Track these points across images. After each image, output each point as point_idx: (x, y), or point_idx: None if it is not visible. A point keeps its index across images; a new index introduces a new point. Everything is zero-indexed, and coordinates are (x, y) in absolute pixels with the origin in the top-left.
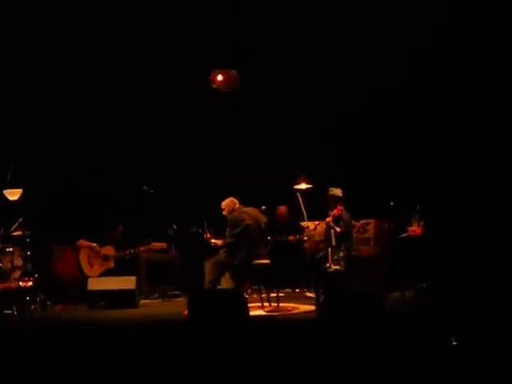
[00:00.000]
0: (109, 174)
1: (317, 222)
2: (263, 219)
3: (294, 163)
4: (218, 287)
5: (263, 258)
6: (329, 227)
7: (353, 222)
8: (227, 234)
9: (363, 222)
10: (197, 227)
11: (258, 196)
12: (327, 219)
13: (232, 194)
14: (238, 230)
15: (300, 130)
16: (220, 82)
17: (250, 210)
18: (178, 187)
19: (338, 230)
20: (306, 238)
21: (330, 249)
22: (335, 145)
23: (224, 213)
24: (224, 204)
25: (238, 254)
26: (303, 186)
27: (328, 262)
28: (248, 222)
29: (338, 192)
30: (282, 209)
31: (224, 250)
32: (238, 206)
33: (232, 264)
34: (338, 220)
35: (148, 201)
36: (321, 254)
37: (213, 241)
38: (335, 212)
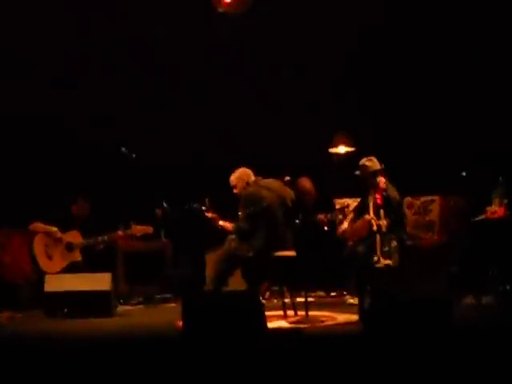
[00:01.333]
0: (73, 132)
1: (360, 200)
2: (289, 195)
3: (327, 116)
4: (225, 289)
5: (287, 250)
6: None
7: (410, 199)
8: (240, 216)
9: (424, 200)
10: (198, 204)
11: (279, 163)
12: (368, 217)
13: (244, 163)
14: (255, 210)
15: (334, 67)
16: (228, 2)
17: (271, 182)
18: (169, 150)
19: (383, 224)
20: (344, 222)
21: (377, 236)
22: (384, 92)
23: (236, 190)
24: (234, 178)
25: (254, 242)
26: (341, 149)
27: (375, 254)
28: (269, 201)
29: (374, 164)
30: (305, 181)
31: (234, 237)
32: (253, 178)
33: (245, 256)
34: (387, 203)
35: (128, 168)
36: (365, 243)
37: (221, 222)
38: (378, 194)
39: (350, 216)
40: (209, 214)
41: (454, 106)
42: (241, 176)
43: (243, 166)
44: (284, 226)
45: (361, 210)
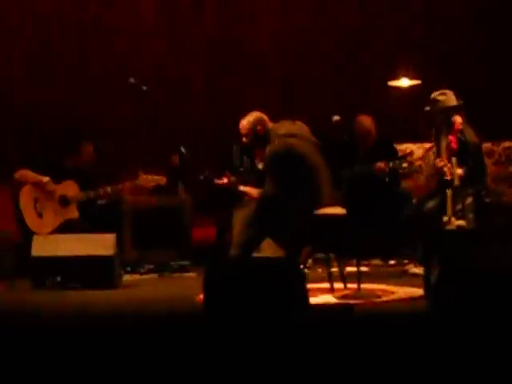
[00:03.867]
0: (69, 54)
1: (428, 146)
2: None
3: (386, 40)
4: (256, 255)
5: (332, 206)
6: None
7: (490, 146)
8: (269, 179)
9: (508, 145)
10: (209, 170)
11: (326, 99)
12: (440, 163)
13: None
14: (290, 170)
15: None
16: None
17: (293, 126)
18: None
19: (459, 172)
20: (407, 171)
21: (449, 191)
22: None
23: (247, 140)
24: (247, 123)
25: (290, 198)
26: (404, 82)
27: (447, 214)
28: (304, 153)
29: (450, 98)
30: (366, 120)
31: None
32: (271, 125)
33: (280, 216)
34: (463, 148)
35: (138, 103)
36: (433, 200)
37: (242, 188)
38: (452, 136)
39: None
40: (223, 181)
41: None
42: (254, 123)
43: (256, 111)
44: (327, 176)
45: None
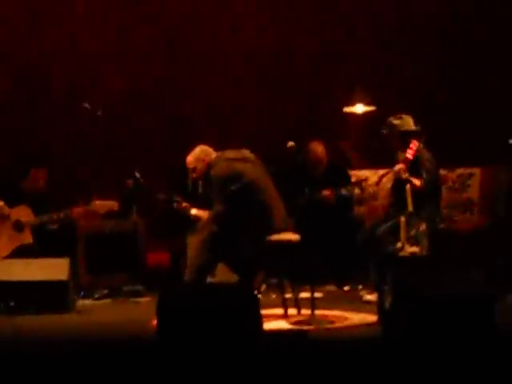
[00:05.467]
0: (29, 83)
1: (382, 172)
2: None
3: (342, 65)
4: (210, 280)
5: (286, 232)
6: (399, 181)
7: (444, 172)
8: (215, 199)
9: (461, 172)
10: (165, 193)
11: (280, 126)
12: (397, 167)
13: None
14: (236, 188)
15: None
16: None
17: (240, 152)
18: (142, 109)
19: (416, 183)
20: (360, 196)
21: (402, 217)
22: (412, 36)
23: (195, 174)
24: (193, 159)
25: (244, 223)
26: (359, 108)
27: (400, 240)
28: (250, 174)
29: (407, 123)
30: (317, 146)
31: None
32: (214, 155)
33: (233, 241)
34: (415, 167)
35: (91, 127)
36: (387, 225)
37: (193, 212)
38: (409, 154)
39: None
40: (178, 206)
41: (501, 56)
42: (200, 156)
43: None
44: (278, 201)
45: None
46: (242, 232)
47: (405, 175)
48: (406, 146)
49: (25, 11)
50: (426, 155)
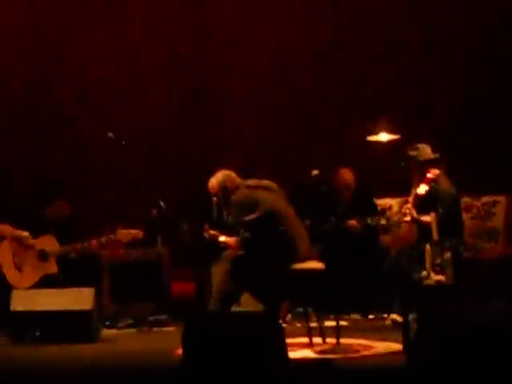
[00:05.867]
0: (48, 115)
1: (405, 199)
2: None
3: (366, 95)
4: (235, 309)
5: (311, 260)
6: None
7: (468, 200)
8: (239, 226)
9: (486, 200)
10: (187, 221)
11: (303, 154)
12: (409, 202)
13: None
14: (255, 216)
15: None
16: None
17: (263, 182)
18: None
19: (426, 220)
20: (385, 225)
21: (427, 246)
22: (435, 64)
23: (216, 198)
24: (216, 183)
25: (268, 252)
26: (384, 136)
27: (425, 268)
28: (271, 202)
29: (424, 152)
30: (347, 173)
31: (241, 252)
32: (239, 181)
33: (257, 270)
34: (431, 199)
35: (115, 158)
36: (411, 254)
37: (222, 239)
38: (421, 189)
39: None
40: (206, 234)
41: None
42: (223, 180)
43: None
44: (301, 229)
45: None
46: (266, 261)
47: (408, 217)
48: (425, 175)
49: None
50: (444, 184)
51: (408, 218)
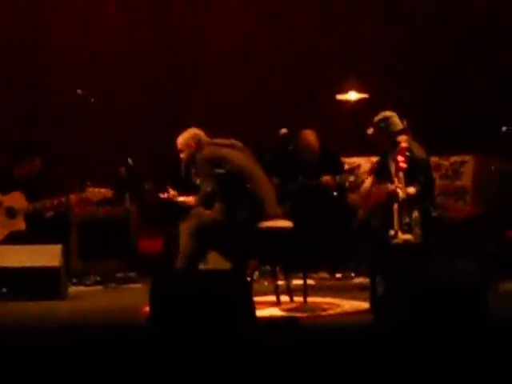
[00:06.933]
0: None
1: (374, 159)
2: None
3: (335, 55)
4: (202, 267)
5: (278, 219)
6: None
7: (437, 160)
8: (202, 182)
9: (455, 160)
10: (149, 180)
11: (273, 113)
12: (389, 186)
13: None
14: (222, 171)
15: None
16: None
17: (228, 141)
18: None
19: (411, 192)
20: (353, 183)
21: (395, 205)
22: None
23: (183, 155)
24: (183, 140)
25: (235, 210)
26: (352, 95)
27: (393, 227)
28: (237, 159)
29: (394, 123)
30: (309, 134)
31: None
32: (206, 139)
33: (225, 227)
34: (412, 165)
35: (84, 114)
36: (380, 213)
37: (181, 199)
38: (402, 162)
39: (370, 179)
40: (164, 195)
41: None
42: (191, 137)
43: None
44: (269, 188)
45: (379, 173)
46: (233, 218)
47: (401, 192)
48: (395, 145)
49: None
50: (417, 152)
51: (401, 196)
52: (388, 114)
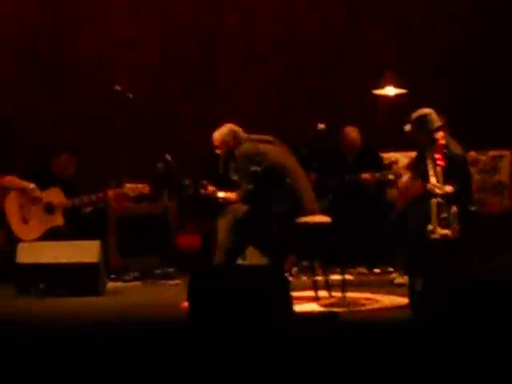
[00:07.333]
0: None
1: (412, 154)
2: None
3: (372, 49)
4: (241, 263)
5: (317, 214)
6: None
7: (474, 155)
8: (242, 179)
9: (493, 155)
10: (188, 176)
11: (308, 108)
12: (428, 185)
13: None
14: (261, 167)
15: None
16: None
17: (265, 137)
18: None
19: (449, 190)
20: (392, 180)
21: (434, 201)
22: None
23: (219, 151)
24: (219, 135)
25: (273, 205)
26: (390, 90)
27: (431, 222)
28: (275, 155)
29: (433, 120)
30: (352, 131)
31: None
32: (243, 135)
33: (263, 223)
34: (449, 161)
35: (122, 111)
36: (418, 208)
37: (221, 194)
38: (437, 154)
39: (408, 175)
40: (204, 191)
41: None
42: (227, 133)
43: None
44: (307, 183)
45: (417, 169)
46: (271, 214)
47: (439, 191)
48: (433, 142)
49: None
50: (454, 148)
51: (435, 189)
52: (426, 111)
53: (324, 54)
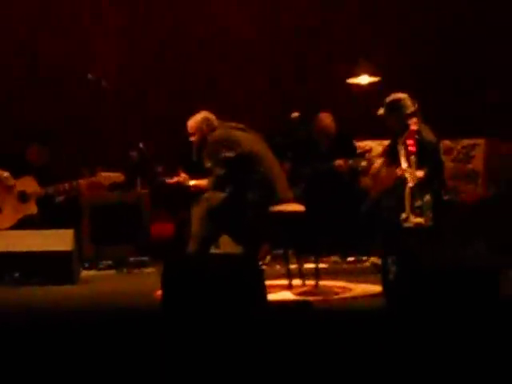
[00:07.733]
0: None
1: (386, 143)
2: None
3: (346, 38)
4: (214, 251)
5: (290, 203)
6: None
7: (448, 143)
8: (214, 165)
9: (466, 143)
10: (161, 164)
11: (284, 97)
12: (398, 171)
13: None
14: (234, 154)
15: None
16: None
17: (239, 125)
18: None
19: (420, 174)
20: (365, 167)
21: (407, 189)
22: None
23: (194, 138)
24: (194, 123)
25: (246, 194)
26: (364, 78)
27: (405, 211)
28: (247, 143)
29: (406, 105)
30: (326, 117)
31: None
32: (217, 122)
33: (237, 211)
34: (421, 149)
35: (96, 99)
36: (391, 197)
37: (192, 182)
38: (409, 140)
39: (381, 160)
40: (173, 180)
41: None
42: (202, 120)
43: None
44: (280, 172)
45: (391, 155)
46: (244, 202)
47: (410, 182)
48: (406, 128)
49: None
50: (427, 135)
51: (411, 183)
52: (400, 96)
53: (298, 42)
